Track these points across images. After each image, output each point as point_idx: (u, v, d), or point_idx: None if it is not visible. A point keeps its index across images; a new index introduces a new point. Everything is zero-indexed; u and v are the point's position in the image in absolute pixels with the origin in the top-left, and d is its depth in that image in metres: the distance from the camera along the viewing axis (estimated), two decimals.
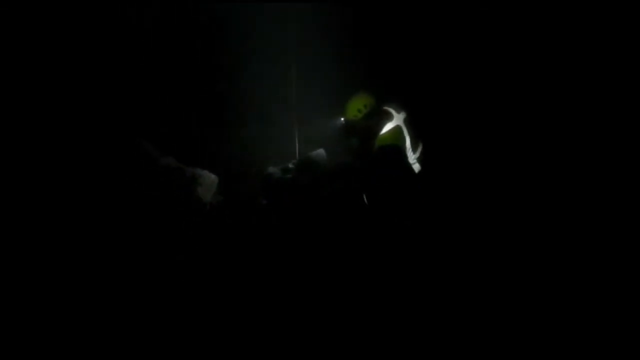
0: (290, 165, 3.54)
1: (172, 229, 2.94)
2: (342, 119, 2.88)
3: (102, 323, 2.15)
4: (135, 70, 3.76)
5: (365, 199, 2.76)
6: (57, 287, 2.37)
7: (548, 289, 2.20)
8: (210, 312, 2.26)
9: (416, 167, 2.75)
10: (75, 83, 3.46)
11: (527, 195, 3.01)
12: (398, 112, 2.69)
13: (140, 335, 2.08)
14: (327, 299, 2.30)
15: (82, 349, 2.01)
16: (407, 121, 2.70)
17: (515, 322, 2.01)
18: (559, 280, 2.26)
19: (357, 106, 2.77)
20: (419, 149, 2.78)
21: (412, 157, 2.72)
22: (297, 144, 4.03)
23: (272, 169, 3.48)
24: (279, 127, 4.07)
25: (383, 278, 2.42)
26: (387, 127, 2.64)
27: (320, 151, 3.60)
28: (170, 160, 3.34)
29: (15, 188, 2.82)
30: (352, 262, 2.59)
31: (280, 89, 4.11)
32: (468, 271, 2.42)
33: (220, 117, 4.05)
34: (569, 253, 2.44)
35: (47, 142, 3.09)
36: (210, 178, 3.36)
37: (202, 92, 4.05)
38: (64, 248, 2.61)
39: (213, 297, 2.39)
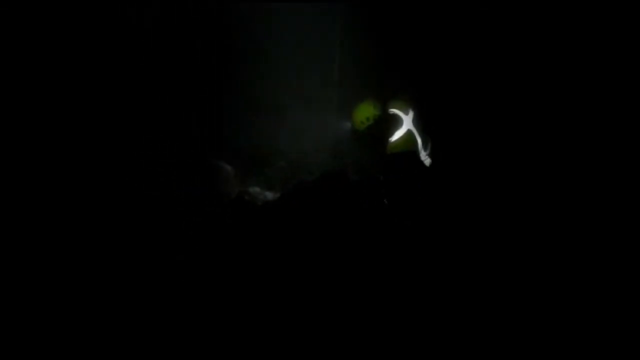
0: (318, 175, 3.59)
1: (188, 222, 2.91)
2: (350, 124, 2.87)
3: (109, 317, 2.06)
4: (155, 62, 3.81)
5: (385, 200, 2.75)
6: (67, 280, 2.28)
7: (549, 290, 2.16)
8: (211, 310, 2.19)
9: (427, 162, 2.73)
10: (99, 79, 3.42)
11: (534, 197, 2.97)
12: (406, 112, 2.63)
13: (145, 332, 2.00)
14: (326, 299, 2.26)
15: (86, 344, 1.91)
16: (415, 120, 2.64)
17: (515, 322, 1.99)
18: (561, 281, 2.21)
19: (360, 118, 2.75)
20: (429, 145, 2.75)
21: (423, 155, 2.71)
22: (310, 140, 4.13)
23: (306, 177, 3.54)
24: (293, 121, 4.13)
25: (383, 278, 2.38)
26: (398, 134, 2.61)
27: (346, 169, 3.54)
28: (191, 152, 3.47)
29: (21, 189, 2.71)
30: (352, 262, 2.54)
31: (297, 84, 4.18)
32: (468, 272, 2.37)
33: (238, 112, 4.12)
34: (572, 255, 2.36)
35: (56, 138, 3.02)
36: (228, 170, 3.44)
37: (221, 87, 4.13)
38: (81, 242, 2.54)
39: (215, 293, 2.32)
